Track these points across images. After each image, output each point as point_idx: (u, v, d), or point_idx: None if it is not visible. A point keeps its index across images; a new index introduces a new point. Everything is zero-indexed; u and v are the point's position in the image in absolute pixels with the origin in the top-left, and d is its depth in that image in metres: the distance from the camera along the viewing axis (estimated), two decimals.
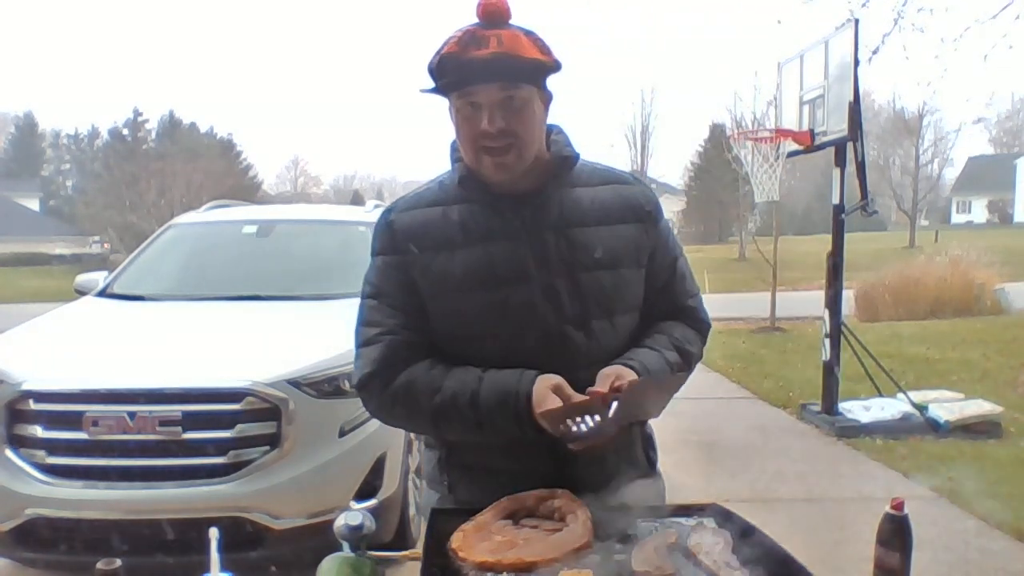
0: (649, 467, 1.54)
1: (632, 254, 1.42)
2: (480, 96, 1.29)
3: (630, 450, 1.49)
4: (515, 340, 1.35)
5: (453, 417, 1.32)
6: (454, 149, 1.42)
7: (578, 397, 1.26)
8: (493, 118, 1.29)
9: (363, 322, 1.43)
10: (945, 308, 11.70)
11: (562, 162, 1.40)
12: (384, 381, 1.36)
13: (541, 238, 1.36)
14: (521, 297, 1.34)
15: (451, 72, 1.29)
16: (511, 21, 1.31)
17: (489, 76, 1.28)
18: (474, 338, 1.36)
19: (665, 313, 1.48)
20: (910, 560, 1.15)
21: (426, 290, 1.38)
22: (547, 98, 1.38)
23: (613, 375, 1.29)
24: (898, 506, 1.16)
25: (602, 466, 1.39)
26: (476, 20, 1.30)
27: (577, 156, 1.42)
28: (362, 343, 1.41)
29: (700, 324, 1.52)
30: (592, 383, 1.29)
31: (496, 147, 1.31)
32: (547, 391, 1.26)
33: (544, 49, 1.32)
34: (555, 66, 1.34)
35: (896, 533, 1.15)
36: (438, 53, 1.31)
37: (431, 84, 1.34)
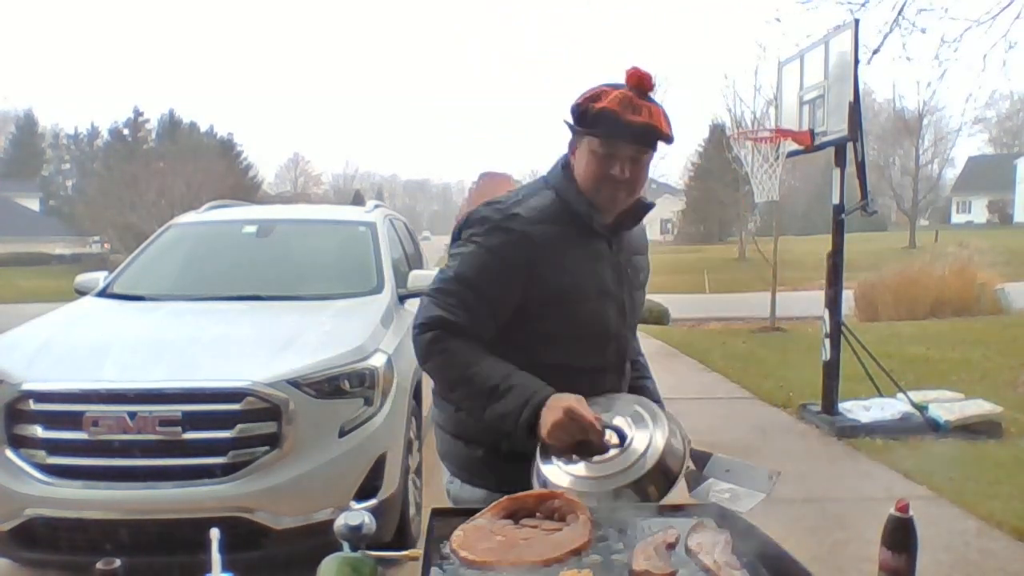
0: None
1: (647, 277, 1.84)
2: (620, 150, 1.58)
3: None
4: (601, 340, 1.68)
5: (482, 374, 1.55)
6: (563, 168, 1.67)
7: (587, 419, 1.44)
8: (624, 169, 1.58)
9: (454, 290, 1.62)
10: (945, 308, 11.71)
11: (643, 208, 1.72)
12: (449, 334, 1.60)
13: (619, 263, 1.70)
14: (606, 308, 1.67)
15: (606, 125, 1.55)
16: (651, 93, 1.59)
17: (636, 139, 1.57)
18: (569, 336, 1.64)
19: (635, 328, 1.88)
20: (916, 562, 1.15)
21: (540, 297, 1.60)
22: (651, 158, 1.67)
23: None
24: (903, 508, 1.15)
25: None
26: (625, 84, 1.56)
27: (653, 204, 1.76)
28: (447, 302, 1.62)
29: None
30: (629, 372, 1.80)
31: (618, 189, 1.60)
32: (559, 407, 1.45)
33: (671, 125, 1.60)
34: (672, 141, 1.62)
35: (901, 535, 1.15)
36: (593, 100, 1.56)
37: (567, 117, 1.61)
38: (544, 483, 1.41)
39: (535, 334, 1.63)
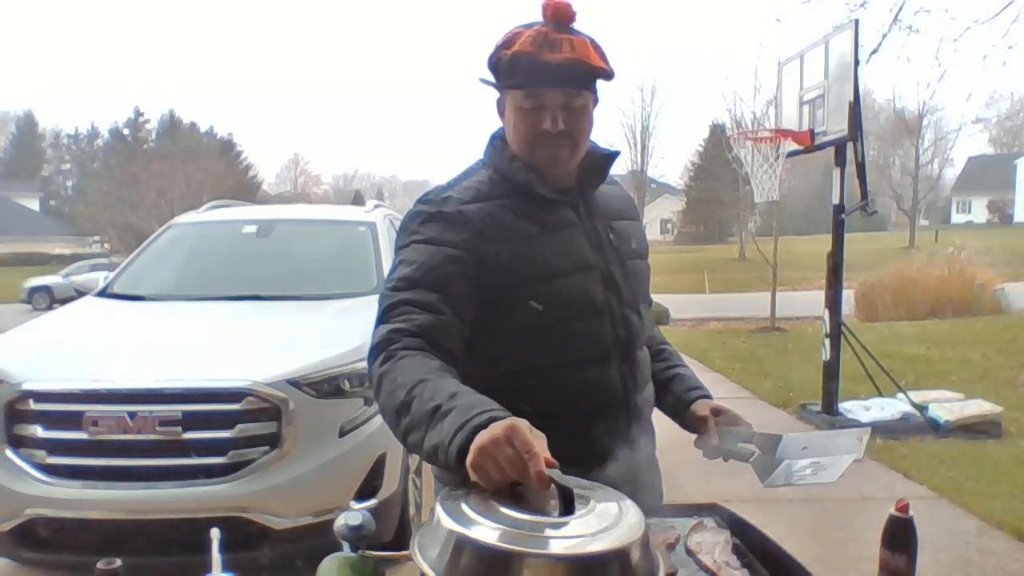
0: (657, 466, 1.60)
1: (646, 247, 1.57)
2: (547, 98, 1.34)
3: (654, 447, 1.57)
4: (589, 322, 1.39)
5: (426, 395, 1.15)
6: (496, 143, 1.46)
7: (532, 448, 0.97)
8: (556, 120, 1.34)
9: (403, 297, 1.33)
10: (945, 308, 11.71)
11: (603, 159, 1.47)
12: (404, 344, 1.28)
13: (594, 228, 1.44)
14: (587, 284, 1.40)
15: (523, 72, 1.33)
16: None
17: (560, 81, 1.33)
18: (546, 327, 1.36)
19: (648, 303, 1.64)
20: (916, 563, 1.15)
21: (495, 282, 1.34)
22: (595, 102, 1.42)
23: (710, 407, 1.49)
24: (903, 508, 1.15)
25: (642, 455, 1.45)
26: (542, 20, 1.33)
27: (617, 152, 1.50)
28: (399, 313, 1.32)
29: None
30: (644, 361, 1.49)
31: (553, 143, 1.36)
32: (500, 425, 1.01)
33: (605, 58, 1.37)
34: (612, 75, 1.39)
35: (901, 535, 1.15)
36: (505, 47, 1.34)
37: (486, 74, 1.39)
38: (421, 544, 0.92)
39: (510, 335, 1.36)
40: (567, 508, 0.93)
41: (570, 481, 0.98)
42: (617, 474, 1.33)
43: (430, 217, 1.38)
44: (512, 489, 0.97)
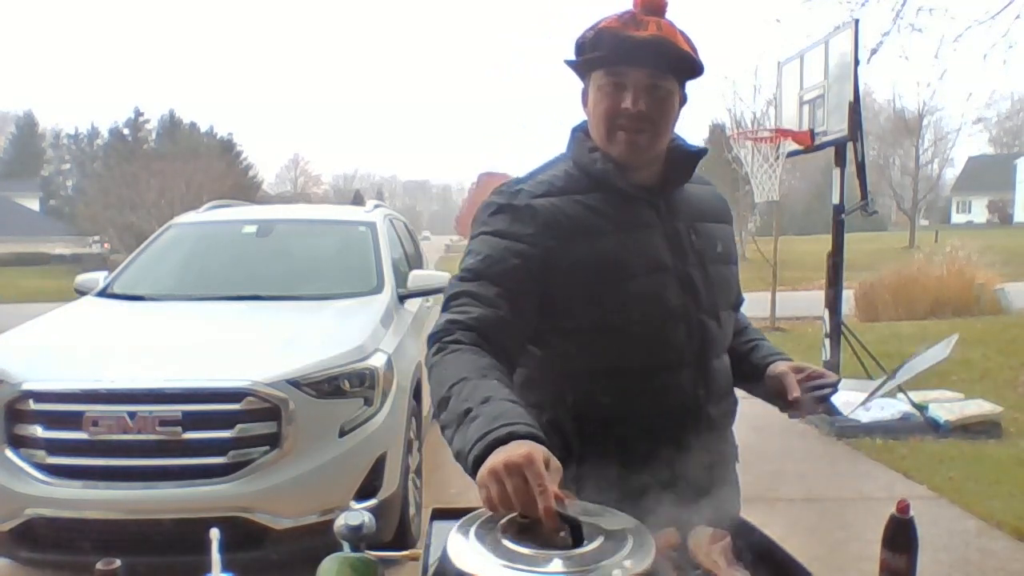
0: (734, 460, 1.60)
1: (734, 251, 1.50)
2: (629, 77, 1.30)
3: (730, 464, 1.55)
4: (661, 327, 1.34)
5: (463, 395, 1.14)
6: (577, 135, 1.42)
7: (543, 484, 0.95)
8: (637, 100, 1.30)
9: (466, 289, 1.31)
10: (945, 308, 11.70)
11: (689, 157, 1.41)
12: (458, 336, 1.25)
13: (675, 229, 1.38)
14: (660, 286, 1.34)
15: (607, 46, 1.29)
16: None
17: (644, 59, 1.28)
18: (616, 328, 1.32)
19: (737, 306, 1.58)
20: (916, 563, 1.15)
21: (562, 280, 1.31)
22: (683, 100, 1.39)
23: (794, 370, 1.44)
24: (903, 508, 1.15)
25: (709, 471, 1.40)
26: (631, 9, 1.32)
27: (705, 150, 1.44)
28: (458, 304, 1.30)
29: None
30: (722, 370, 1.43)
31: (632, 126, 1.31)
32: (519, 451, 0.99)
33: (694, 48, 1.33)
34: (700, 68, 1.35)
35: (902, 536, 1.15)
36: (593, 28, 1.32)
37: (570, 61, 1.36)
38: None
39: (577, 335, 1.33)
40: (576, 539, 0.94)
41: (576, 508, 0.99)
42: (685, 486, 1.29)
43: (499, 209, 1.36)
44: (527, 519, 0.97)
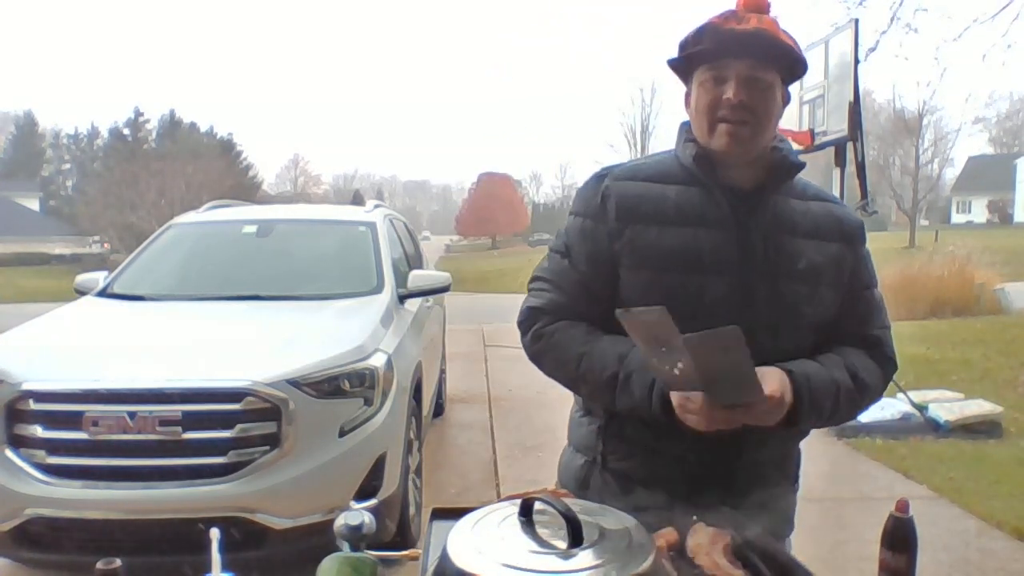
0: (794, 481, 1.57)
1: (832, 273, 1.40)
2: (729, 70, 1.30)
3: (785, 461, 1.51)
4: (701, 326, 1.25)
5: (596, 367, 1.33)
6: (683, 130, 1.43)
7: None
8: (738, 91, 1.30)
9: (544, 270, 1.44)
10: (945, 308, 11.69)
11: (788, 166, 1.39)
12: (544, 321, 1.39)
13: (750, 236, 1.35)
14: (717, 288, 1.33)
15: (708, 41, 1.31)
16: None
17: (744, 50, 1.29)
18: None
19: (851, 340, 1.44)
20: (916, 562, 1.15)
21: (627, 262, 1.35)
22: (786, 98, 1.38)
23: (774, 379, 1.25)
24: (903, 508, 1.15)
25: (757, 471, 1.40)
26: (733, 8, 1.34)
27: (803, 164, 1.41)
28: (535, 287, 1.44)
29: (885, 359, 1.48)
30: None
31: (733, 117, 1.31)
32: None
33: (795, 42, 1.33)
34: (804, 64, 1.35)
35: (901, 535, 1.15)
36: (697, 27, 1.33)
37: (673, 59, 1.37)
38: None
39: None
40: (576, 539, 0.94)
41: (576, 508, 1.00)
42: (716, 501, 1.28)
43: (586, 189, 1.42)
44: (527, 517, 1.01)
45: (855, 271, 1.43)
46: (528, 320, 1.41)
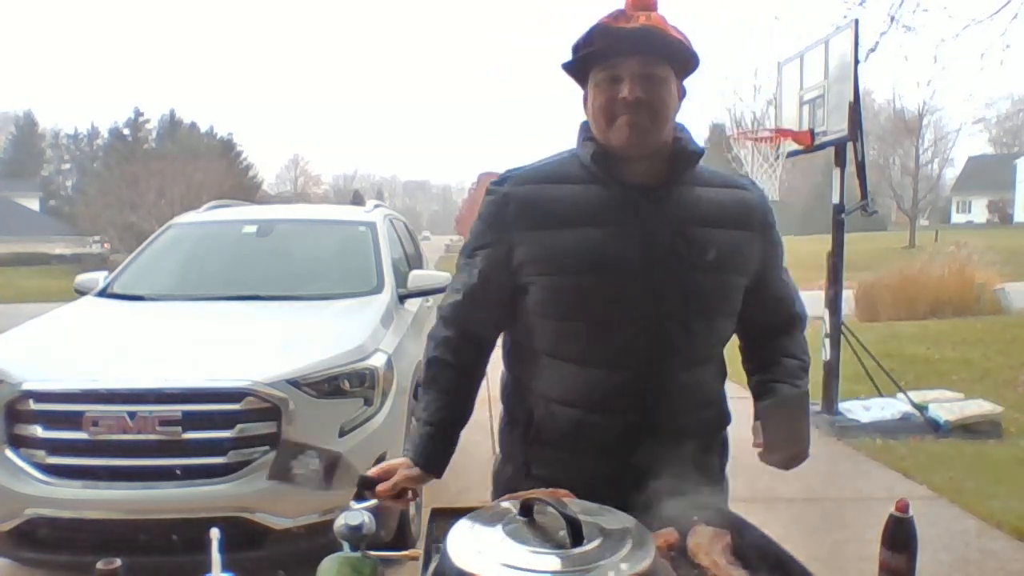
0: (719, 472, 1.56)
1: (742, 262, 1.41)
2: (622, 68, 1.32)
3: (706, 453, 1.49)
4: (609, 328, 1.34)
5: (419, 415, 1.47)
6: (583, 129, 1.43)
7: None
8: (633, 88, 1.31)
9: (457, 270, 1.49)
10: (945, 308, 11.69)
11: (687, 156, 1.39)
12: (442, 327, 1.47)
13: (654, 231, 1.34)
14: (620, 286, 1.33)
15: (599, 42, 1.33)
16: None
17: (635, 47, 1.31)
18: (569, 320, 1.36)
19: (781, 323, 1.51)
20: (915, 562, 1.15)
21: (530, 266, 1.37)
22: (681, 92, 1.39)
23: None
24: (903, 508, 1.15)
25: (678, 464, 1.38)
26: (621, 8, 1.35)
27: (703, 150, 1.41)
28: (447, 292, 1.50)
29: (804, 322, 1.55)
30: (691, 383, 1.38)
31: (630, 111, 1.32)
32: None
33: (685, 36, 1.35)
34: (695, 58, 1.36)
35: (901, 535, 1.15)
36: (587, 30, 1.35)
37: (566, 63, 1.39)
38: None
39: (531, 319, 1.39)
40: (576, 539, 0.94)
41: (576, 508, 1.00)
42: (643, 495, 1.28)
43: (488, 195, 1.44)
44: (526, 518, 1.01)
45: (768, 256, 1.45)
46: (435, 332, 1.48)
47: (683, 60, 1.36)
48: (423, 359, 1.52)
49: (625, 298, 1.33)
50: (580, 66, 1.37)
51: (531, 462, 1.46)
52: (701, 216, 1.37)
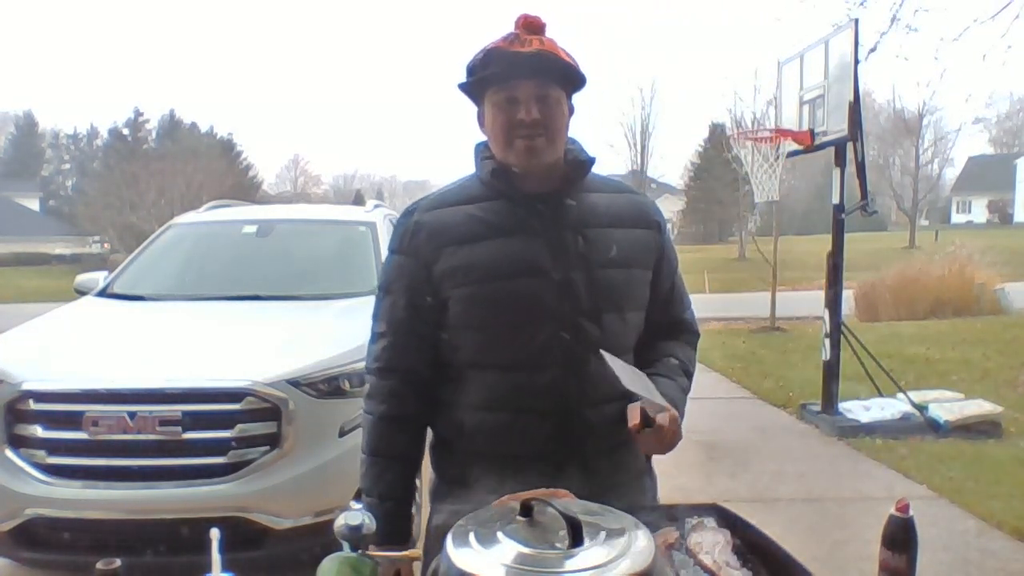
0: (647, 463, 1.59)
1: (643, 256, 1.51)
2: (519, 91, 1.40)
3: (635, 449, 1.49)
4: (529, 330, 1.41)
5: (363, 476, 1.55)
6: (479, 150, 1.51)
7: None
8: (530, 110, 1.39)
9: (375, 315, 1.57)
10: (945, 308, 11.70)
11: (580, 165, 1.48)
12: (379, 380, 1.51)
13: (560, 235, 1.43)
14: (535, 289, 1.41)
15: (495, 64, 1.40)
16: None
17: (531, 71, 1.39)
18: (489, 327, 1.43)
19: (667, 325, 1.59)
20: (915, 562, 1.15)
21: (447, 285, 1.43)
22: (570, 110, 1.48)
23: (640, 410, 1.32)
24: (903, 508, 1.15)
25: (609, 457, 1.46)
26: (514, 31, 1.42)
27: (593, 159, 1.50)
28: (371, 338, 1.56)
29: (694, 336, 1.64)
30: (610, 376, 1.34)
31: (528, 133, 1.40)
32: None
33: (575, 60, 1.44)
34: (583, 78, 1.45)
35: (901, 535, 1.15)
36: (481, 51, 1.42)
37: (463, 83, 1.46)
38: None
39: (456, 331, 1.46)
40: (576, 539, 0.94)
41: (577, 508, 1.00)
42: (574, 489, 1.26)
43: (397, 228, 1.52)
44: (527, 518, 1.00)
45: (664, 255, 1.55)
46: (373, 390, 1.52)
47: (574, 81, 1.45)
48: (362, 426, 1.54)
49: (540, 300, 1.41)
50: (477, 87, 1.45)
51: (467, 472, 1.48)
52: (600, 218, 1.48)
